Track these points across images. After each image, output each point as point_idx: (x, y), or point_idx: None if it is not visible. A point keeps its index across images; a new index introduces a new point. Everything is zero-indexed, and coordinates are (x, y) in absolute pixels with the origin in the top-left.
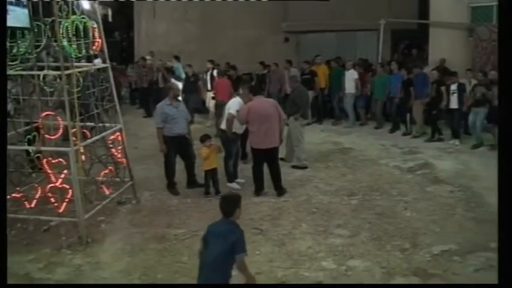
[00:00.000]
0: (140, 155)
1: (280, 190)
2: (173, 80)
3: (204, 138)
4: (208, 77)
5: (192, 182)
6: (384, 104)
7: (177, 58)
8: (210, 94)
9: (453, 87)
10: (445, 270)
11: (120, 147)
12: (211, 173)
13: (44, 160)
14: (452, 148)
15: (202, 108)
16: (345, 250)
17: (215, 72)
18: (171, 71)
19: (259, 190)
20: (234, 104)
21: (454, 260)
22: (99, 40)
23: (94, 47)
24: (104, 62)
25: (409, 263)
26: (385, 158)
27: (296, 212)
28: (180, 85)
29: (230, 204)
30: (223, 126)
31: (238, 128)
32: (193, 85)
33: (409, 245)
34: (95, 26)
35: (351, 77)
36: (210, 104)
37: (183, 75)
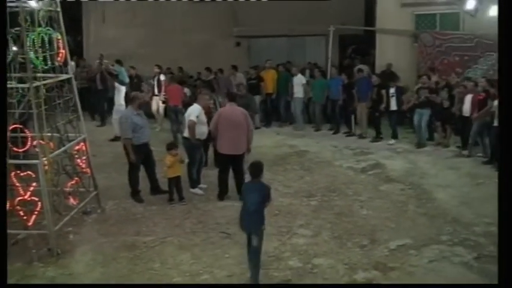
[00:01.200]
0: (99, 163)
1: None
2: (117, 85)
3: (171, 147)
4: (156, 82)
5: (155, 189)
6: (324, 107)
7: (119, 62)
8: (157, 98)
9: (392, 90)
10: (402, 263)
11: (84, 157)
12: (175, 181)
13: (12, 173)
14: (401, 148)
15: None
16: (309, 249)
17: (162, 77)
18: (115, 76)
19: (222, 194)
20: (193, 111)
21: (410, 254)
22: (63, 51)
23: (59, 59)
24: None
25: (369, 258)
26: (339, 159)
27: None
28: (123, 89)
29: (258, 169)
30: (186, 133)
31: (201, 134)
32: (137, 87)
33: (367, 241)
34: (59, 37)
35: (299, 82)
36: (159, 108)
37: (127, 80)
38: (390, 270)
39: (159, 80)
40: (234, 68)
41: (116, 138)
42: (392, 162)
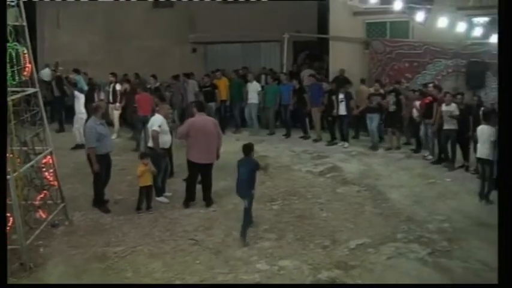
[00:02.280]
0: (63, 174)
1: (208, 200)
2: (76, 92)
3: (143, 156)
4: (111, 90)
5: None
6: (277, 112)
7: (76, 71)
8: (112, 107)
9: (341, 96)
10: (362, 261)
11: (51, 170)
12: (145, 190)
13: None
14: (356, 151)
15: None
16: (275, 252)
17: (118, 86)
18: (73, 83)
19: (188, 201)
20: (155, 121)
21: (369, 252)
22: (30, 65)
23: (25, 73)
24: (33, 85)
25: (331, 258)
26: (298, 163)
27: (226, 220)
28: (83, 97)
29: (249, 148)
30: (150, 144)
31: (164, 143)
32: (90, 94)
33: (329, 242)
34: (25, 51)
35: (254, 89)
36: (114, 116)
37: (86, 87)
38: (351, 268)
39: (114, 89)
40: (186, 75)
41: (77, 147)
42: (348, 165)
